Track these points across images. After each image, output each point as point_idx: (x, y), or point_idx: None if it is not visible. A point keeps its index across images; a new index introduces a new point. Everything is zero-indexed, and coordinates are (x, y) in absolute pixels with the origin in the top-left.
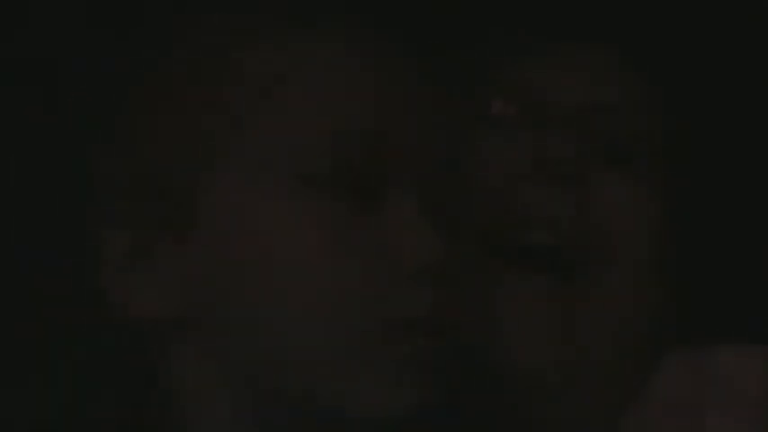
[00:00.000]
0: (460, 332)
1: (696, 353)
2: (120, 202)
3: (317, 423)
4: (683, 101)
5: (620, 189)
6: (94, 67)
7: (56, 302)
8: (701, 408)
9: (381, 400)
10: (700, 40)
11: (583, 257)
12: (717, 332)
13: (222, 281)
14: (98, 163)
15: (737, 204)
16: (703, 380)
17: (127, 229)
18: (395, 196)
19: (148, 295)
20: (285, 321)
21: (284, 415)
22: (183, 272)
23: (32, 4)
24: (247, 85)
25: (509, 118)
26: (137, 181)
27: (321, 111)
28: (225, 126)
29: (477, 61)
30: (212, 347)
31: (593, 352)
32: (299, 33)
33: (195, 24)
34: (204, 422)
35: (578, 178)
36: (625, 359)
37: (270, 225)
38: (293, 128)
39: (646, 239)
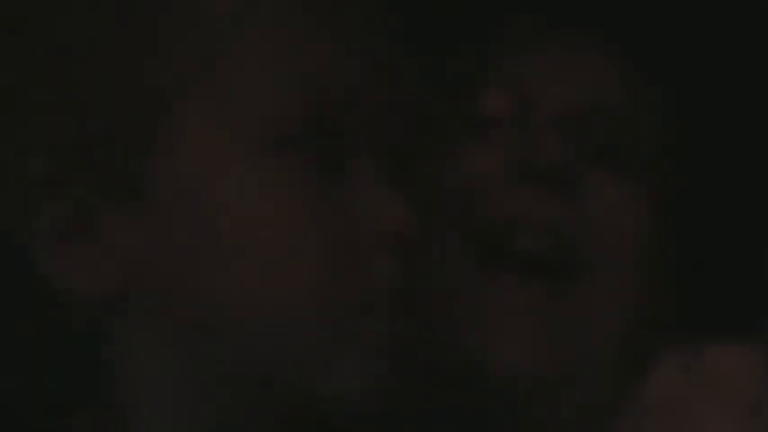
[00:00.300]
0: (417, 309)
1: (690, 352)
2: (56, 166)
3: (279, 405)
4: (680, 101)
5: (613, 191)
6: (23, 16)
7: None
8: (694, 407)
9: (353, 373)
10: (698, 38)
11: (573, 260)
12: (716, 332)
13: (176, 253)
14: (30, 120)
15: (735, 205)
16: (698, 379)
17: (63, 198)
18: (364, 165)
19: (86, 268)
20: (250, 296)
21: (241, 399)
22: (129, 244)
23: None
24: (203, 27)
25: (497, 119)
26: (74, 142)
27: (288, 65)
28: (176, 81)
29: (467, 59)
30: (161, 328)
31: (590, 353)
32: None
33: None
34: (150, 408)
35: (568, 181)
36: (622, 359)
37: (233, 191)
38: (257, 84)
39: (640, 241)
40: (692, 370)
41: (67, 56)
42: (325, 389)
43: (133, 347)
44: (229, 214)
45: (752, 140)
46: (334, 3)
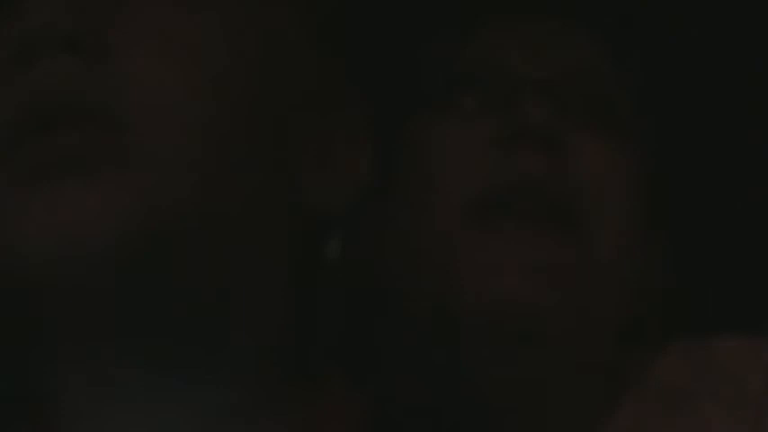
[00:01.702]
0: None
1: (697, 343)
2: None
3: None
4: (655, 61)
5: (599, 149)
6: None
7: None
8: (699, 397)
9: None
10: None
11: (569, 216)
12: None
13: None
14: None
15: (721, 166)
16: (703, 370)
17: None
18: None
19: None
20: None
21: None
22: None
23: None
24: None
25: (478, 93)
26: None
27: None
28: None
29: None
30: None
31: (588, 304)
32: None
33: None
34: None
35: (554, 140)
36: (618, 319)
37: None
38: None
39: (630, 197)
40: (703, 361)
41: None
42: None
43: None
44: None
45: (733, 101)
46: None
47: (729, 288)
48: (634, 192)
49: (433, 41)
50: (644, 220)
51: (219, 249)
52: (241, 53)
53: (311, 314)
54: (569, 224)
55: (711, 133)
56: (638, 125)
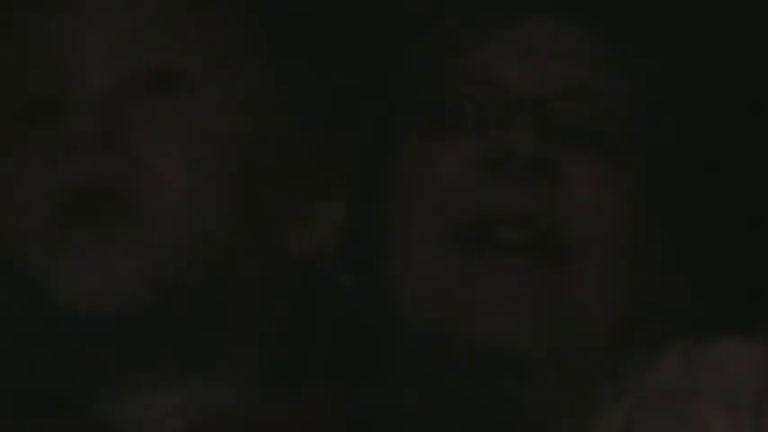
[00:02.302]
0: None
1: (697, 344)
2: None
3: None
4: (659, 83)
5: (592, 174)
6: None
7: None
8: (698, 397)
9: None
10: (676, 23)
11: (556, 245)
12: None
13: None
14: None
15: (718, 189)
16: (702, 370)
17: None
18: None
19: None
20: None
21: None
22: None
23: None
24: None
25: (469, 112)
26: None
27: None
28: None
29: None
30: None
31: (575, 333)
32: None
33: None
34: None
35: (545, 166)
36: (608, 343)
37: None
38: None
39: (622, 225)
40: (702, 362)
41: None
42: None
43: None
44: None
45: (735, 125)
46: None
47: (728, 289)
48: (627, 212)
49: (423, 55)
50: (639, 232)
51: (217, 292)
52: (233, 137)
53: (303, 334)
54: (556, 254)
55: (710, 136)
56: (636, 140)
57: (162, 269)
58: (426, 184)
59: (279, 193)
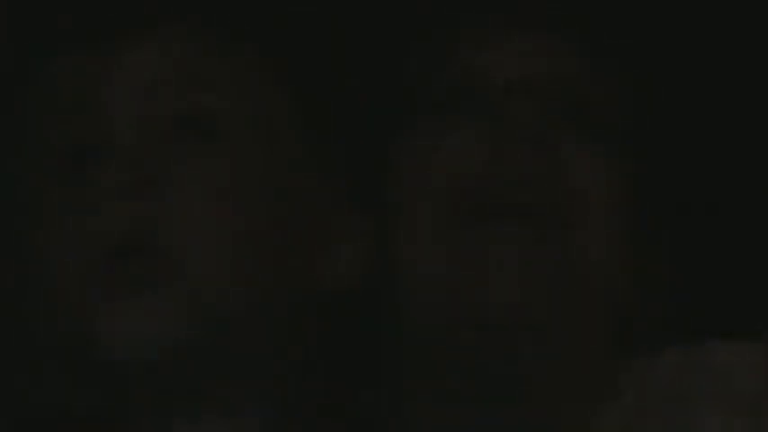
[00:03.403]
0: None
1: (694, 347)
2: None
3: None
4: (635, 68)
5: (583, 150)
6: None
7: None
8: (695, 401)
9: None
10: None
11: (553, 214)
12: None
13: None
14: None
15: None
16: (699, 373)
17: None
18: None
19: None
20: None
21: None
22: None
23: None
24: None
25: (466, 100)
26: None
27: None
28: None
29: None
30: None
31: (578, 303)
32: None
33: None
34: None
35: (537, 140)
36: (601, 316)
37: None
38: None
39: (612, 200)
40: (699, 365)
41: None
42: None
43: None
44: None
45: (714, 107)
46: None
47: (727, 290)
48: (620, 194)
49: (419, 54)
50: (632, 223)
51: (251, 327)
52: (264, 176)
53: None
54: (556, 224)
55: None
56: (623, 127)
57: (201, 311)
58: (430, 162)
59: (303, 231)
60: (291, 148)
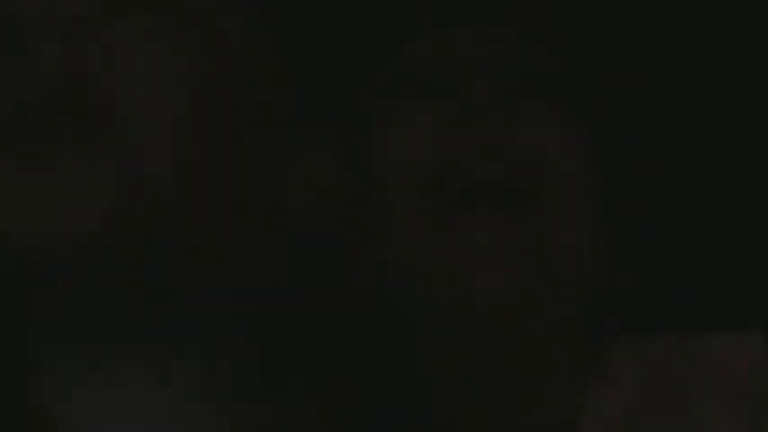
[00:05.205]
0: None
1: (687, 339)
2: None
3: None
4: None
5: (548, 126)
6: None
7: None
8: (690, 394)
9: None
10: None
11: (526, 187)
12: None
13: None
14: None
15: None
16: (694, 366)
17: None
18: None
19: None
20: None
21: None
22: None
23: None
24: None
25: (428, 82)
26: None
27: None
28: None
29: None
30: None
31: (553, 284)
32: None
33: None
34: None
35: (505, 113)
36: (576, 289)
37: None
38: None
39: (578, 178)
40: (694, 357)
41: None
42: None
43: None
44: None
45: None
46: None
47: (723, 284)
48: (591, 176)
49: (378, 42)
50: (604, 204)
51: (198, 229)
52: (222, 61)
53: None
54: (527, 207)
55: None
56: (591, 110)
57: (133, 201)
58: (397, 144)
59: (270, 138)
60: (263, 65)
